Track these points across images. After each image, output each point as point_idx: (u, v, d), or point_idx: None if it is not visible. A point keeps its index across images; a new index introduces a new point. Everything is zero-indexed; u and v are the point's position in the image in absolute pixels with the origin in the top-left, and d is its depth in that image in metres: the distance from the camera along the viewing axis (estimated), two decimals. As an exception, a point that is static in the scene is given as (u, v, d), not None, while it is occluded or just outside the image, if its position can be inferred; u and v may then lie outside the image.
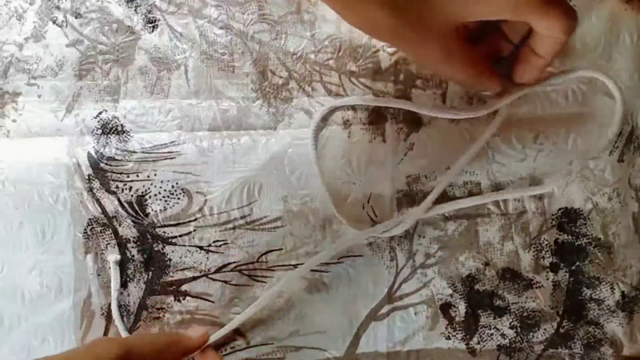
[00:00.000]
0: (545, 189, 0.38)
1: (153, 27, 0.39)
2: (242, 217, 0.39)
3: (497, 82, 0.34)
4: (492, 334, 0.38)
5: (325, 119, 0.39)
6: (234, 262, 0.38)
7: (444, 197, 0.39)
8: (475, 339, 0.38)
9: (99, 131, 0.38)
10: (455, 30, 0.30)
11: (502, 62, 0.35)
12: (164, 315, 0.38)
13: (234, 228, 0.38)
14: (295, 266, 0.38)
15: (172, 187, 0.38)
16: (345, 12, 0.29)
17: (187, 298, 0.38)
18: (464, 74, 0.33)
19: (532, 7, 0.28)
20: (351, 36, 0.39)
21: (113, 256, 0.38)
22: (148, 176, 0.38)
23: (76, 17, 0.39)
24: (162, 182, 0.38)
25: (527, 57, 0.33)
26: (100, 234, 0.38)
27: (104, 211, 0.38)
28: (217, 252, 0.38)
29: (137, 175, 0.38)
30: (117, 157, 0.38)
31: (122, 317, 0.37)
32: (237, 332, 0.38)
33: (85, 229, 0.38)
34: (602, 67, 0.39)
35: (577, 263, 0.38)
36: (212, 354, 0.35)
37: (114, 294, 0.37)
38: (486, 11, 0.29)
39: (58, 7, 0.39)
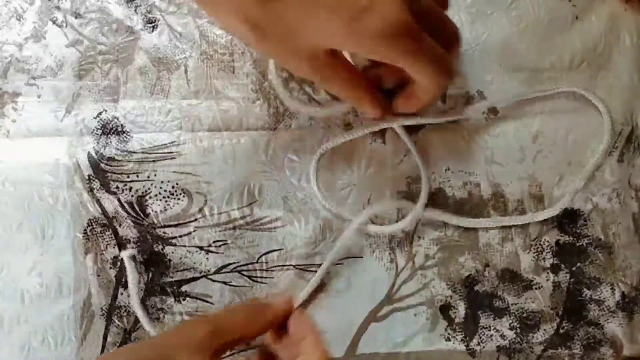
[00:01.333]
0: (554, 212, 0.38)
1: (153, 27, 0.39)
2: (242, 218, 0.38)
3: (376, 108, 0.33)
4: (492, 335, 0.38)
5: (325, 121, 0.39)
6: (234, 263, 0.38)
7: (443, 197, 0.39)
8: (475, 340, 0.38)
9: (99, 131, 0.38)
10: (328, 53, 0.28)
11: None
12: (163, 316, 0.38)
13: (234, 228, 0.38)
14: (295, 267, 0.38)
15: (172, 187, 0.38)
16: (215, 20, 0.29)
17: (187, 299, 0.38)
18: (342, 94, 0.32)
19: (399, 54, 0.27)
20: (351, 36, 0.38)
21: (127, 252, 0.37)
22: (148, 176, 0.38)
23: (76, 17, 0.39)
24: (162, 182, 0.38)
25: (406, 91, 0.33)
26: (100, 235, 0.38)
27: (104, 211, 0.38)
28: (217, 253, 0.38)
29: (137, 176, 0.38)
30: (117, 158, 0.38)
31: (121, 317, 0.37)
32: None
33: (85, 230, 0.38)
34: (602, 67, 0.39)
35: (578, 264, 0.38)
36: (301, 317, 0.33)
37: (133, 289, 0.37)
38: (338, 44, 0.28)
39: (58, 7, 0.39)
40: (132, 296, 0.37)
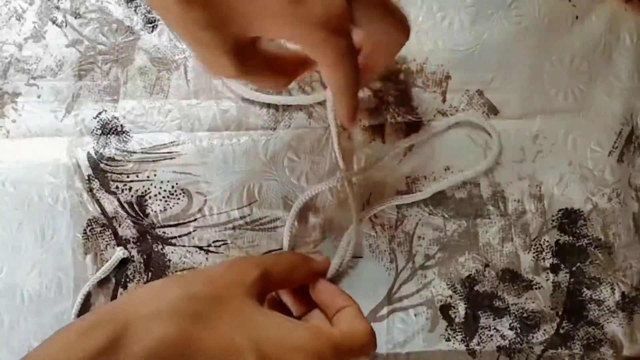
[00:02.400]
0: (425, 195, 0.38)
1: (153, 27, 0.39)
2: (242, 218, 0.38)
3: (274, 84, 0.32)
4: (492, 335, 0.38)
5: (325, 120, 0.39)
6: (234, 263, 0.38)
7: (443, 197, 0.39)
8: (475, 340, 0.38)
9: (99, 131, 0.38)
10: (252, 41, 0.27)
11: None
12: (163, 316, 0.38)
13: (233, 228, 0.38)
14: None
15: (172, 187, 0.38)
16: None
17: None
18: (266, 83, 0.32)
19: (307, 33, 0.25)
20: (351, 36, 0.38)
21: (120, 252, 0.38)
22: (148, 176, 0.38)
23: (76, 17, 0.39)
24: (161, 182, 0.38)
25: (367, 59, 0.30)
26: (100, 235, 0.38)
27: (103, 211, 0.38)
28: (216, 253, 0.38)
29: (137, 176, 0.38)
30: (116, 158, 0.38)
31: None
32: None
33: (85, 230, 0.38)
34: (602, 67, 0.39)
35: (578, 264, 0.38)
36: (335, 289, 0.34)
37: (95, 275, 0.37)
38: (270, 27, 0.26)
39: (58, 7, 0.39)
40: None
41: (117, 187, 0.38)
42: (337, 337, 0.28)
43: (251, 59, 0.27)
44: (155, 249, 0.38)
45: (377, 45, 0.29)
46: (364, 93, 0.39)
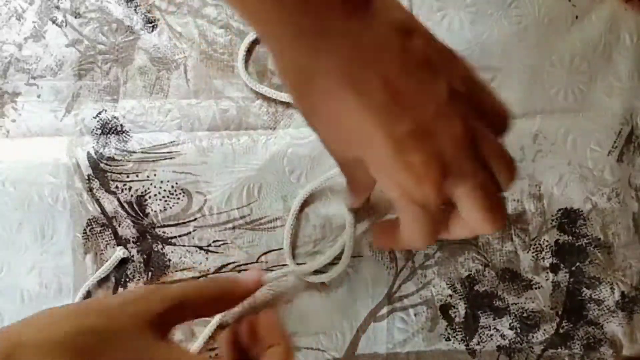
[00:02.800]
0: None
1: (152, 26, 0.39)
2: (242, 217, 0.38)
3: (354, 204, 0.34)
4: (491, 335, 0.38)
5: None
6: (234, 262, 0.38)
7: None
8: (475, 340, 0.38)
9: (99, 131, 0.38)
10: (358, 160, 0.27)
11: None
12: (163, 316, 0.38)
13: (233, 228, 0.38)
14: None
15: (172, 187, 0.38)
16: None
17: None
18: (347, 183, 0.32)
19: (398, 199, 0.25)
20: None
21: (120, 251, 0.38)
22: (148, 176, 0.38)
23: (76, 17, 0.39)
24: (161, 182, 0.38)
25: (388, 226, 0.30)
26: (100, 234, 0.38)
27: (103, 211, 0.38)
28: (216, 252, 0.38)
29: (137, 176, 0.38)
30: (116, 157, 0.38)
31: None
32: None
33: (84, 229, 0.38)
34: (602, 67, 0.39)
35: (578, 264, 0.38)
36: (273, 321, 0.31)
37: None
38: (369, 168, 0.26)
39: (57, 7, 0.39)
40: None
41: (117, 187, 0.38)
42: None
43: (352, 165, 0.28)
44: (155, 249, 0.38)
45: (463, 222, 0.27)
46: None
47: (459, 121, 0.24)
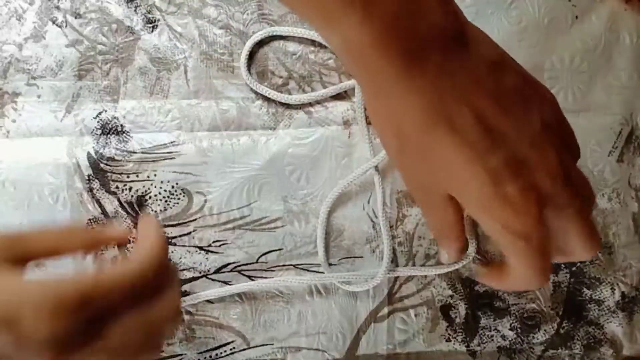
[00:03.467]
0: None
1: (153, 27, 0.39)
2: (242, 218, 0.38)
3: (454, 254, 0.31)
4: (492, 336, 0.38)
5: (325, 120, 0.39)
6: (234, 263, 0.38)
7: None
8: (475, 341, 0.38)
9: (99, 131, 0.38)
10: (447, 197, 0.27)
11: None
12: (163, 316, 0.38)
13: (233, 228, 0.38)
14: (295, 267, 0.38)
15: (172, 187, 0.38)
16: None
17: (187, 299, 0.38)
18: (436, 227, 0.31)
19: (499, 234, 0.25)
20: (351, 36, 0.38)
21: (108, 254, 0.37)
22: (148, 176, 0.38)
23: (76, 17, 0.39)
24: (162, 182, 0.38)
25: (497, 267, 0.29)
26: (100, 235, 0.38)
27: (103, 211, 0.38)
28: (216, 253, 0.38)
29: (137, 176, 0.38)
30: (117, 158, 0.38)
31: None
32: (237, 333, 0.38)
33: (84, 230, 0.38)
34: (602, 67, 0.39)
35: (578, 264, 0.38)
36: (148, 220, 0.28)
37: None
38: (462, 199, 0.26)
39: (58, 7, 0.39)
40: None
41: (117, 187, 0.38)
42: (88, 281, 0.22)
43: (439, 209, 0.27)
44: (155, 249, 0.38)
45: (559, 250, 0.27)
46: None
47: (552, 152, 0.24)
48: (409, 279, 0.38)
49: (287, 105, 0.39)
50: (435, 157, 0.24)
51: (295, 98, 0.38)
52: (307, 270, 0.38)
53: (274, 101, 0.39)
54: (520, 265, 0.25)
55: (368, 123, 0.39)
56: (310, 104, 0.39)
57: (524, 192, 0.23)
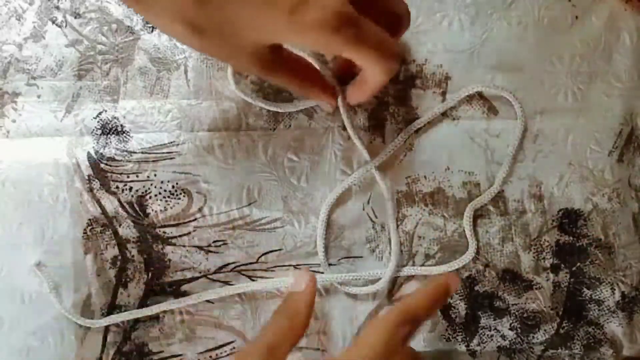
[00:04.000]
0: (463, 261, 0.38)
1: (152, 27, 0.39)
2: (242, 218, 0.38)
3: (329, 99, 0.33)
4: (492, 335, 0.38)
5: (325, 121, 0.38)
6: (234, 263, 0.38)
7: (443, 197, 0.38)
8: (475, 341, 0.38)
9: (99, 131, 0.38)
10: (271, 48, 0.28)
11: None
12: (163, 316, 0.38)
13: (233, 228, 0.38)
14: (295, 267, 0.38)
15: (172, 187, 0.38)
16: (151, 21, 0.28)
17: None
18: (291, 86, 0.32)
19: (340, 44, 0.26)
20: (351, 36, 0.38)
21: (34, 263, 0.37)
22: (148, 176, 0.38)
23: (76, 17, 0.39)
24: (162, 182, 0.38)
25: (357, 80, 0.32)
26: (100, 234, 0.38)
27: (103, 211, 0.38)
28: (216, 253, 0.38)
29: (137, 176, 0.38)
30: (117, 158, 0.38)
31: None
32: (238, 333, 0.38)
33: (85, 230, 0.38)
34: (602, 67, 0.39)
35: (578, 264, 0.38)
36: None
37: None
38: (279, 38, 0.27)
39: (57, 7, 0.39)
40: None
41: (117, 187, 0.38)
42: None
43: (274, 62, 0.28)
44: (156, 249, 0.38)
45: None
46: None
47: None
48: (409, 278, 0.38)
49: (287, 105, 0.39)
50: (234, 20, 0.25)
51: (284, 106, 0.38)
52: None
53: (274, 101, 0.38)
54: (371, 61, 0.27)
55: (363, 129, 0.38)
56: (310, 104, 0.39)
57: (325, 6, 0.24)
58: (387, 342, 0.29)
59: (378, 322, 0.30)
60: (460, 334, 0.38)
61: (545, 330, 0.38)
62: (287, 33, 0.26)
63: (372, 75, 0.30)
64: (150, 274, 0.38)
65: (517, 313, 0.38)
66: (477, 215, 0.38)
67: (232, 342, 0.38)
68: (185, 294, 0.38)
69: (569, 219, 0.38)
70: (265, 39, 0.27)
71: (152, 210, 0.38)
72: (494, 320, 0.38)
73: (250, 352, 0.30)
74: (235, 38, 0.26)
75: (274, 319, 0.33)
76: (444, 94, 0.39)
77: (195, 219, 0.38)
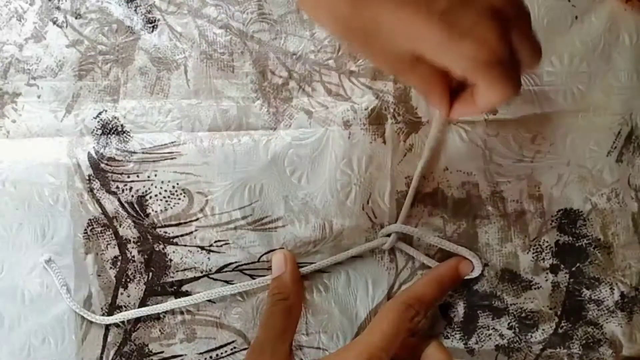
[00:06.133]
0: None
1: (153, 27, 0.37)
2: (244, 218, 0.36)
3: (444, 107, 0.31)
4: (490, 334, 0.36)
5: (325, 121, 0.37)
6: (235, 262, 0.36)
7: (442, 197, 0.36)
8: (473, 339, 0.36)
9: (99, 131, 0.36)
10: (414, 56, 0.26)
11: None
12: (164, 316, 0.36)
13: (235, 228, 0.36)
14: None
15: (173, 187, 0.36)
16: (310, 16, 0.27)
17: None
18: (418, 90, 0.31)
19: (472, 69, 0.25)
20: (351, 36, 0.36)
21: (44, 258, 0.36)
22: (148, 176, 0.36)
23: (76, 18, 0.37)
24: (162, 182, 0.36)
25: (464, 96, 0.30)
26: (101, 235, 0.36)
27: (104, 211, 0.36)
28: (218, 252, 0.36)
29: (138, 176, 0.36)
30: (117, 158, 0.36)
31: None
32: (238, 333, 0.36)
33: (85, 230, 0.36)
34: (601, 67, 0.37)
35: (577, 264, 0.36)
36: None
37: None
38: (426, 52, 0.25)
39: (58, 8, 0.37)
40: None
41: (117, 187, 0.36)
42: None
43: (412, 67, 0.27)
44: (157, 249, 0.36)
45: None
46: None
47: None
48: (408, 278, 0.36)
49: (287, 105, 0.37)
50: (383, 24, 0.24)
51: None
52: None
53: (274, 101, 0.36)
54: (496, 86, 0.26)
55: (370, 123, 0.36)
56: (310, 104, 0.37)
57: (477, 21, 0.23)
58: (395, 324, 0.30)
59: (386, 307, 0.31)
60: (459, 332, 0.36)
61: (543, 329, 0.36)
62: (436, 53, 0.25)
63: (487, 99, 0.28)
64: (150, 274, 0.36)
65: (515, 312, 0.36)
66: (477, 215, 0.36)
67: (232, 341, 0.36)
68: (186, 293, 0.36)
69: (568, 219, 0.36)
70: (412, 47, 0.25)
71: (153, 210, 0.36)
72: (493, 319, 0.36)
73: (262, 342, 0.31)
74: (382, 40, 0.25)
75: (270, 308, 0.33)
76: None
77: (197, 219, 0.36)
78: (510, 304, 0.36)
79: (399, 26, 0.24)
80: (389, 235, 0.36)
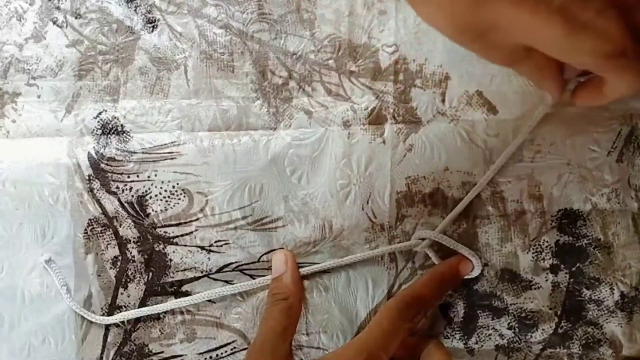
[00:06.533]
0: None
1: (153, 27, 0.36)
2: (244, 218, 0.36)
3: (556, 93, 0.30)
4: (490, 334, 0.36)
5: (325, 121, 0.36)
6: (235, 262, 0.36)
7: (442, 197, 0.36)
8: (473, 339, 0.36)
9: (99, 131, 0.36)
10: (527, 48, 0.26)
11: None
12: (164, 316, 0.35)
13: (235, 228, 0.36)
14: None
15: (173, 187, 0.36)
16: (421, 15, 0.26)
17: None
18: (529, 76, 0.30)
19: (607, 70, 0.25)
20: (350, 36, 0.36)
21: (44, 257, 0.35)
22: (148, 176, 0.36)
23: (76, 18, 0.36)
24: (162, 182, 0.36)
25: (591, 84, 0.30)
26: (101, 235, 0.35)
27: (104, 211, 0.35)
28: (218, 252, 0.36)
29: (138, 176, 0.36)
30: (117, 158, 0.36)
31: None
32: (239, 333, 0.36)
33: (85, 230, 0.35)
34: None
35: (578, 264, 0.36)
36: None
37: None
38: (542, 46, 0.25)
39: (58, 8, 0.36)
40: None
41: (117, 187, 0.36)
42: None
43: (527, 58, 0.26)
44: (157, 249, 0.36)
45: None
46: None
47: None
48: (408, 278, 0.36)
49: (287, 105, 0.36)
50: (501, 21, 0.23)
51: None
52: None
53: (274, 101, 0.36)
54: (625, 78, 0.25)
55: (370, 123, 0.36)
56: (310, 104, 0.36)
57: (597, 13, 0.22)
58: (395, 323, 0.30)
59: (385, 306, 0.31)
60: (459, 332, 0.36)
61: (543, 329, 0.36)
62: (555, 50, 0.24)
63: (617, 90, 0.27)
64: (150, 274, 0.35)
65: (515, 312, 0.36)
66: (476, 216, 0.36)
67: (233, 342, 0.36)
68: (186, 293, 0.35)
69: (568, 219, 0.36)
70: (530, 42, 0.25)
71: (153, 210, 0.36)
72: (492, 319, 0.36)
73: (262, 342, 0.31)
74: (497, 36, 0.24)
75: (270, 308, 0.33)
76: (443, 94, 0.36)
77: (197, 219, 0.36)
78: (510, 304, 0.36)
79: (517, 22, 0.23)
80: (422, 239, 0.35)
